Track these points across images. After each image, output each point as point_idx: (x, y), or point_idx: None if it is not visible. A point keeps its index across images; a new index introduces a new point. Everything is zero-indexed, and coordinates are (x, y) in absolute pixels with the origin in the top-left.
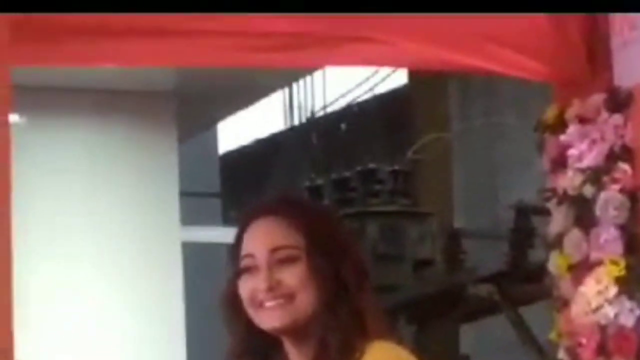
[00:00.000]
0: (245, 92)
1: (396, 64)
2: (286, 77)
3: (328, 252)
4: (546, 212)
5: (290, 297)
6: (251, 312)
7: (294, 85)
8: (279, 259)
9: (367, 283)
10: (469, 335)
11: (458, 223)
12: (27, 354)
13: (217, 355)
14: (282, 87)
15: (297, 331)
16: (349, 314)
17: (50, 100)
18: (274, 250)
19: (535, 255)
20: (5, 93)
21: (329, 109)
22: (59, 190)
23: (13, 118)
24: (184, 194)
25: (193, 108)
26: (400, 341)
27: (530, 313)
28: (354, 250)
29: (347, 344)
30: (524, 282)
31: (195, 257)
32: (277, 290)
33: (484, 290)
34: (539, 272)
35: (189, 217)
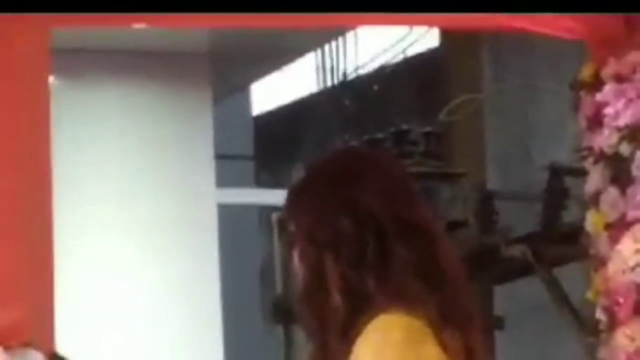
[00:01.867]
0: (277, 54)
1: (429, 22)
2: (318, 39)
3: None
4: (580, 173)
5: None
6: None
7: (326, 47)
8: None
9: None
10: (502, 297)
11: (491, 184)
12: (64, 324)
13: (252, 315)
14: (314, 49)
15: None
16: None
17: (84, 62)
18: None
19: (568, 216)
20: (45, 56)
21: (361, 71)
22: (93, 153)
23: (50, 80)
24: (218, 157)
25: (226, 70)
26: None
27: (564, 274)
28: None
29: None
30: (557, 243)
31: (228, 218)
32: None
33: (518, 251)
34: (573, 233)
35: (222, 180)
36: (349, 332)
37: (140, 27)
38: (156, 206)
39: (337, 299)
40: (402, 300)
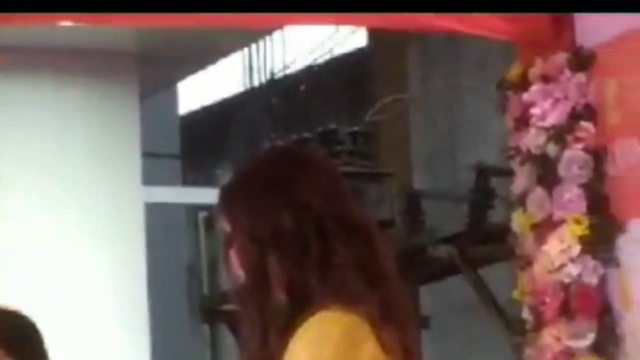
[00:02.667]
0: (204, 52)
1: (357, 22)
2: (245, 38)
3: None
4: (506, 173)
5: None
6: None
7: (254, 47)
8: None
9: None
10: (429, 297)
11: (418, 184)
12: None
13: (179, 315)
14: (241, 47)
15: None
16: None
17: (13, 59)
18: None
19: (495, 216)
20: None
21: (289, 71)
22: (25, 150)
23: None
24: (144, 155)
25: (153, 68)
26: (359, 301)
27: (490, 274)
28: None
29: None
30: (483, 243)
31: (155, 217)
32: None
33: (444, 251)
34: (499, 233)
35: (148, 178)
36: (289, 330)
37: (67, 25)
38: (83, 205)
39: (280, 297)
40: (343, 297)
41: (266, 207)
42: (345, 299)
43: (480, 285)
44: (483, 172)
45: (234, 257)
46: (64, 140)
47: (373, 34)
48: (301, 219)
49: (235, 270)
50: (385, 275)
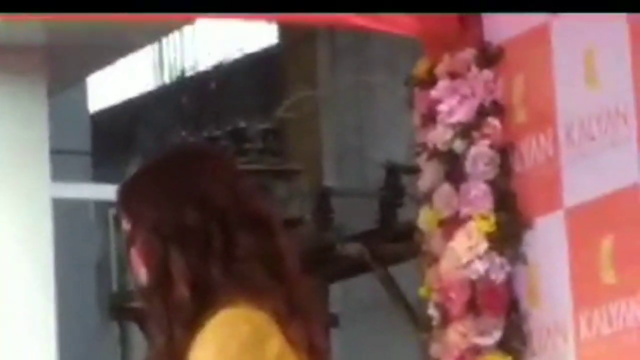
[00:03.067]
0: (114, 46)
1: (267, 18)
2: (155, 33)
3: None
4: (416, 171)
5: None
6: None
7: (164, 43)
8: None
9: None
10: (337, 295)
11: (327, 182)
12: None
13: (87, 312)
14: (151, 42)
15: None
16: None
17: None
18: None
19: (404, 214)
20: None
21: (199, 68)
22: None
23: None
24: (55, 152)
25: (62, 63)
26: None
27: (399, 272)
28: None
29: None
30: (393, 241)
31: (63, 213)
32: None
33: (354, 249)
34: (409, 231)
35: (59, 175)
36: (194, 325)
37: None
38: None
39: (183, 291)
40: (248, 292)
41: (168, 201)
42: (250, 293)
43: (389, 283)
44: (393, 170)
45: (135, 255)
46: None
47: (283, 31)
48: (204, 213)
49: (138, 268)
50: (290, 270)
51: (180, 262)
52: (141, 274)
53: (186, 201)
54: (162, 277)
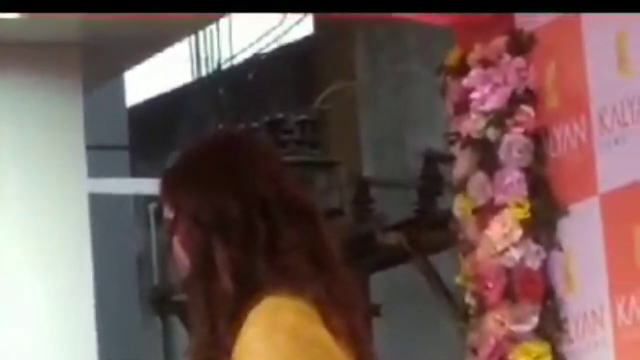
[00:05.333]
0: (150, 41)
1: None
2: (191, 26)
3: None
4: (453, 160)
5: None
6: None
7: (200, 37)
8: None
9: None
10: (379, 285)
11: (366, 172)
12: None
13: (129, 307)
14: (187, 35)
15: None
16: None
17: None
18: None
19: (443, 202)
20: None
21: (236, 60)
22: None
23: None
24: (93, 147)
25: (98, 58)
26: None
27: (439, 260)
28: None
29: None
30: (432, 229)
31: (103, 210)
32: None
33: (393, 238)
34: (448, 220)
35: (97, 170)
36: (237, 316)
37: (6, 17)
38: (27, 197)
39: (226, 282)
40: (290, 281)
41: (211, 190)
42: (292, 283)
43: (429, 272)
44: (431, 159)
45: (178, 245)
46: (6, 135)
47: (319, 21)
48: (247, 203)
49: (180, 258)
50: (331, 259)
51: (223, 253)
52: (183, 263)
53: (226, 190)
54: (204, 267)
